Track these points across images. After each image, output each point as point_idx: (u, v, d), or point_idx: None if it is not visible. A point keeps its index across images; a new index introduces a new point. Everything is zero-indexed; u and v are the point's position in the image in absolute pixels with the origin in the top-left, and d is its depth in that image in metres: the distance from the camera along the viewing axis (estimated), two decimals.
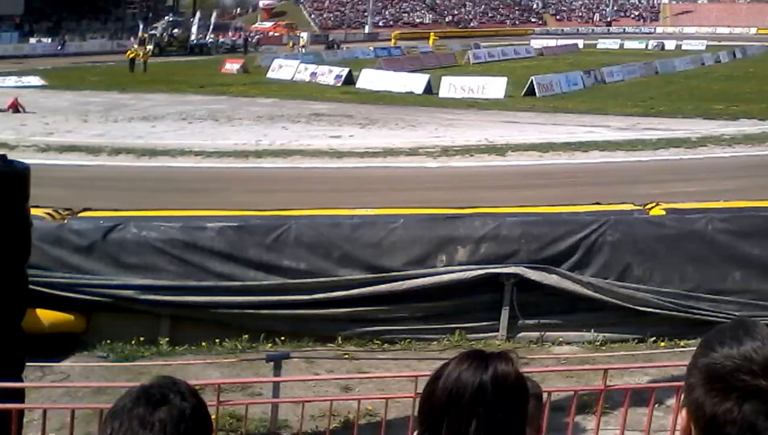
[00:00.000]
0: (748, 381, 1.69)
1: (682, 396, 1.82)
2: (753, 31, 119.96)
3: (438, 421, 2.04)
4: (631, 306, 9.05)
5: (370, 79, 40.72)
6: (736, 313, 8.95)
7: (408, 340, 9.04)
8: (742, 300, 9.26)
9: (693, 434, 1.80)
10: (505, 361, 2.08)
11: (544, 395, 5.53)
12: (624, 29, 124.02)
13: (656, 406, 5.96)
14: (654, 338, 9.08)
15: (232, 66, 50.69)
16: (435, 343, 9.00)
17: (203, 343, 8.84)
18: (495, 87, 36.06)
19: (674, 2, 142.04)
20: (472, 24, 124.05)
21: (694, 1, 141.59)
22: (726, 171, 19.82)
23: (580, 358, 8.17)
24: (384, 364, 8.42)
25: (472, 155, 21.85)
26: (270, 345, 8.79)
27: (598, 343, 9.01)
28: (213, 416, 5.31)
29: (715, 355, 1.74)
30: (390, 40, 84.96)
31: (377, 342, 9.06)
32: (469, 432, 2.01)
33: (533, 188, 17.06)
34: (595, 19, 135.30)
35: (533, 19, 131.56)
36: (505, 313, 9.01)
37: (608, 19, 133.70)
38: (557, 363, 8.06)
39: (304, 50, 66.59)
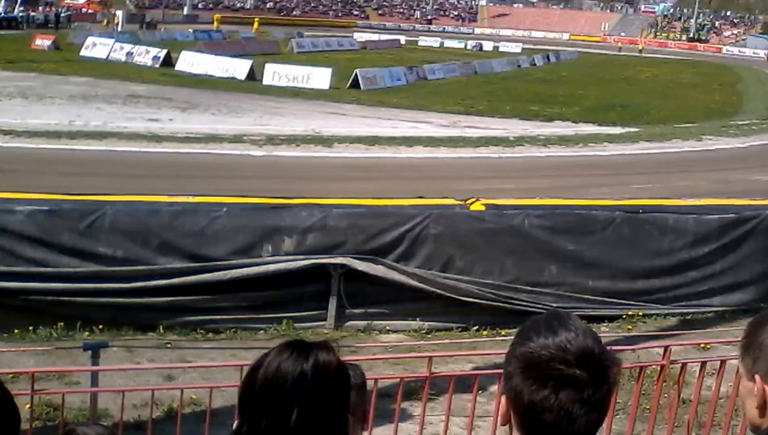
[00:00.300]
0: (563, 370, 1.77)
1: (502, 384, 1.88)
2: (566, 36, 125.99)
3: (258, 412, 1.99)
4: (454, 296, 9.29)
5: (190, 62, 39.68)
6: (553, 305, 9.34)
7: (233, 329, 8.89)
8: (558, 292, 9.71)
9: (512, 420, 1.86)
10: (326, 350, 2.05)
11: (371, 383, 5.56)
12: (444, 28, 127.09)
13: (479, 392, 6.11)
14: (477, 327, 9.37)
15: (42, 42, 48.10)
16: (262, 332, 8.90)
17: (16, 331, 8.37)
18: (320, 77, 35.97)
19: (491, 5, 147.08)
20: (294, 12, 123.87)
21: (511, 5, 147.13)
22: (541, 169, 20.67)
23: (406, 346, 8.29)
24: (208, 354, 8.28)
25: (298, 145, 21.69)
26: (87, 334, 8.42)
27: (424, 332, 9.21)
28: (27, 405, 5.04)
29: (531, 344, 1.81)
30: (211, 23, 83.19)
31: (201, 331, 8.85)
32: (290, 422, 1.96)
33: (359, 181, 17.13)
34: (416, 16, 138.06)
35: (356, 12, 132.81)
36: (332, 303, 9.03)
37: (428, 18, 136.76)
38: (384, 351, 8.15)
39: (119, 29, 64.18)
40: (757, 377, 2.14)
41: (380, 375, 6.31)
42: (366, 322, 9.19)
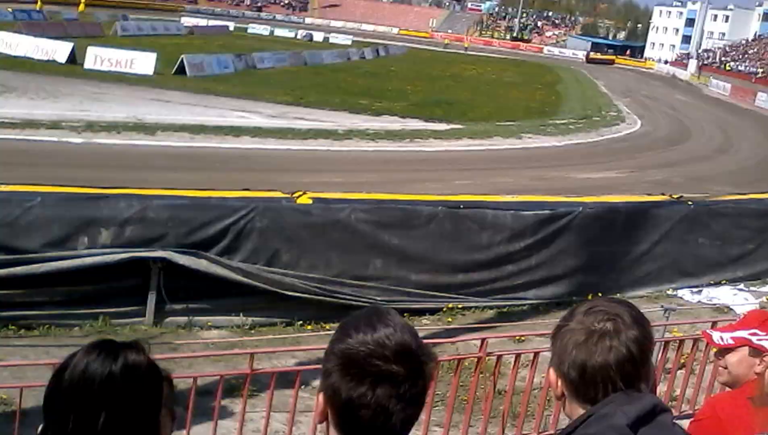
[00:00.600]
0: (381, 366, 1.78)
1: (320, 381, 1.88)
2: (395, 30, 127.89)
3: (64, 415, 1.91)
4: (279, 291, 9.21)
5: (7, 43, 37.52)
6: (377, 298, 9.47)
7: (47, 325, 8.47)
8: (383, 286, 9.83)
9: (329, 418, 1.87)
10: (136, 350, 1.99)
11: (190, 380, 5.54)
12: (274, 16, 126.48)
13: (302, 387, 6.11)
14: (301, 322, 9.34)
15: None
16: (77, 328, 8.53)
17: None
18: (144, 62, 34.80)
19: None
20: None
21: None
22: (369, 164, 20.87)
23: (228, 343, 8.16)
24: (20, 351, 7.89)
25: (119, 132, 20.88)
26: None
27: (247, 327, 9.08)
28: None
29: (350, 341, 1.82)
30: (33, 2, 79.06)
31: (13, 327, 8.39)
32: (98, 425, 1.90)
33: (183, 171, 16.73)
34: (246, 2, 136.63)
35: None
36: (151, 298, 8.75)
37: (258, 5, 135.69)
38: (205, 348, 7.99)
39: None
40: (551, 370, 2.25)
41: (200, 373, 6.22)
42: (187, 317, 8.96)
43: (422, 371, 1.84)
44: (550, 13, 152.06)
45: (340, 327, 1.91)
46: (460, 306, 10.16)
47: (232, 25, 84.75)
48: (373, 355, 1.79)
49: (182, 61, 35.88)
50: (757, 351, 3.32)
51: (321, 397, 1.89)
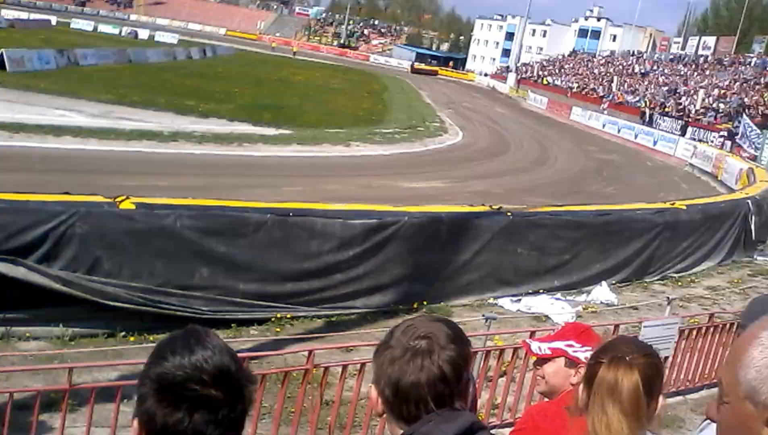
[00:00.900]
0: (199, 390, 1.75)
1: (135, 405, 1.82)
2: (222, 31, 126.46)
3: None
4: (100, 301, 8.87)
5: None
6: (204, 308, 9.31)
7: None
8: (209, 295, 9.62)
9: None
10: None
11: (7, 395, 5.41)
12: (98, 12, 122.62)
13: (124, 401, 5.93)
14: (124, 333, 8.99)
15: None
16: None
17: None
18: None
19: None
20: None
21: None
22: (196, 167, 20.52)
23: (47, 355, 7.80)
24: None
25: None
26: None
27: (68, 338, 8.69)
28: None
29: (167, 364, 1.78)
30: None
31: None
32: None
33: (0, 172, 15.91)
34: None
35: None
36: None
37: (82, 0, 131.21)
38: (23, 360, 7.62)
39: None
40: (371, 387, 2.26)
41: (18, 387, 5.98)
42: (4, 328, 8.48)
43: (242, 395, 1.82)
44: (377, 22, 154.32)
45: (157, 349, 1.86)
46: (288, 316, 10.10)
47: (54, 20, 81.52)
48: (191, 379, 1.75)
49: (2, 55, 34.34)
50: (572, 362, 3.49)
51: (136, 422, 1.83)
